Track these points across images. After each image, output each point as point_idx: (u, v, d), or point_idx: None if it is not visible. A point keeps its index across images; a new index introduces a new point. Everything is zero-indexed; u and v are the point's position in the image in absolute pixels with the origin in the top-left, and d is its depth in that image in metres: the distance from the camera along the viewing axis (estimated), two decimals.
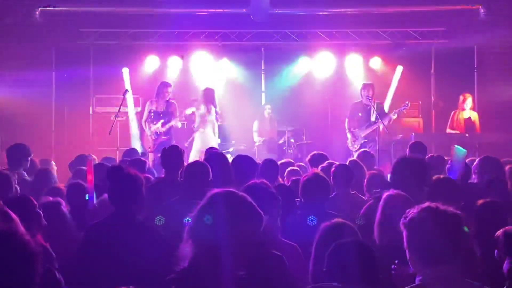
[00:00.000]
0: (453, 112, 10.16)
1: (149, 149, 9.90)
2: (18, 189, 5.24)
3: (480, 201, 3.88)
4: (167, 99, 9.92)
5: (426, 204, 2.55)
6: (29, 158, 6.42)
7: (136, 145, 10.29)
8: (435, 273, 2.44)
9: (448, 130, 10.08)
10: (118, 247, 3.38)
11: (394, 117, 9.69)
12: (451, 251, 2.47)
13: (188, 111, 9.99)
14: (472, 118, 10.01)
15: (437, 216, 2.49)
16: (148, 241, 3.41)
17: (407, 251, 2.55)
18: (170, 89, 9.97)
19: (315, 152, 6.73)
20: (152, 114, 9.88)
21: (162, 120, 9.84)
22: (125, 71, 11.10)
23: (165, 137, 9.78)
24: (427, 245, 2.46)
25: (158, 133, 9.85)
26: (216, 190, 2.49)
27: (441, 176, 4.62)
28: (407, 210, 2.77)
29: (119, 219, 3.52)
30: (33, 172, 6.38)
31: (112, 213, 3.58)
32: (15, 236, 2.07)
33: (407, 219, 2.55)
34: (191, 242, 2.38)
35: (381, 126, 9.37)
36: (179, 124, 9.97)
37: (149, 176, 5.66)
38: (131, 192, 3.55)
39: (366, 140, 9.78)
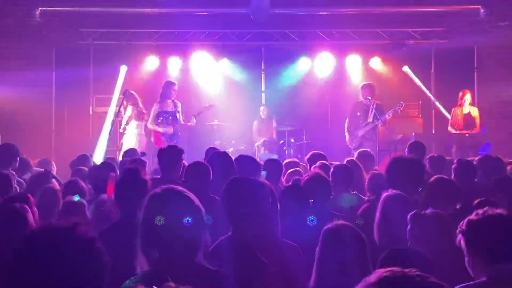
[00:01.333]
0: (453, 108, 10.16)
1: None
2: (18, 189, 5.24)
3: (476, 201, 3.86)
4: (173, 99, 9.89)
5: (485, 209, 2.73)
6: (18, 158, 6.33)
7: (102, 145, 10.11)
8: (499, 271, 2.55)
9: (450, 128, 10.06)
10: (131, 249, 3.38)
11: (388, 117, 9.71)
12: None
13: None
14: (472, 114, 9.90)
15: (496, 218, 2.68)
16: None
17: (468, 255, 2.68)
18: (176, 88, 9.94)
19: (314, 151, 6.73)
20: (162, 116, 9.76)
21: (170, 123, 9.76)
22: (123, 69, 11.11)
23: (181, 134, 9.81)
24: (491, 244, 2.62)
25: (169, 133, 9.75)
26: (156, 190, 2.50)
27: (441, 176, 4.61)
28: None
29: (130, 222, 3.52)
30: (25, 172, 6.37)
31: (121, 217, 3.60)
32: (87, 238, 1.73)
33: (467, 225, 2.70)
34: (143, 243, 2.41)
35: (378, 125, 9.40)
36: (194, 121, 9.91)
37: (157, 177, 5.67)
38: (142, 196, 3.58)
39: (364, 140, 9.80)
